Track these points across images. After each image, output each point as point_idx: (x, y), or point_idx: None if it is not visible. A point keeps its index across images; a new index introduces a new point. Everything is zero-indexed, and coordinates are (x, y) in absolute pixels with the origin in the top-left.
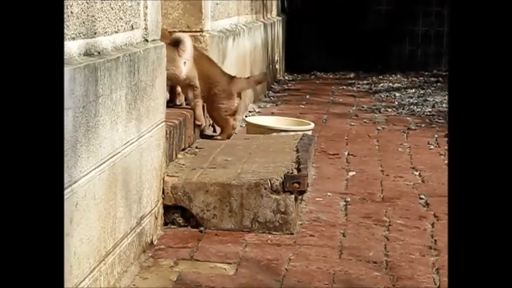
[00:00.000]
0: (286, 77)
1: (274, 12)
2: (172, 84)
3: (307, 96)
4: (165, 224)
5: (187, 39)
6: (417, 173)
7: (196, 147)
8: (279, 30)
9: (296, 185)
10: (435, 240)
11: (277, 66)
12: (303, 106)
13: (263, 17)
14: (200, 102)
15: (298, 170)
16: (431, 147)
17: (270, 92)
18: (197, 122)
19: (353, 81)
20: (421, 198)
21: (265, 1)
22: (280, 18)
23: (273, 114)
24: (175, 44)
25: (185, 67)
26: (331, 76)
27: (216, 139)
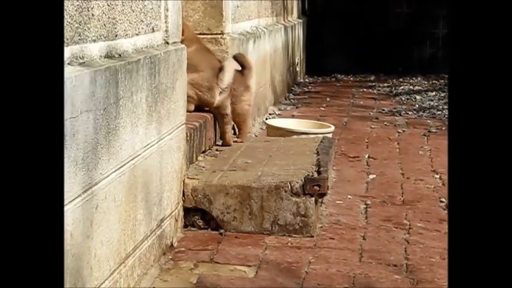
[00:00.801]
0: (307, 80)
1: (295, 14)
2: (203, 106)
3: (328, 99)
4: (185, 226)
5: (228, 70)
6: (438, 176)
7: (217, 150)
8: (299, 32)
9: (316, 187)
10: None
11: (297, 69)
12: (324, 109)
13: (284, 20)
14: (230, 128)
15: (319, 172)
16: None
17: (291, 94)
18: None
19: (374, 83)
20: (441, 202)
21: (285, 3)
22: (301, 20)
23: (293, 116)
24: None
25: (220, 97)
26: (351, 79)
27: (236, 142)
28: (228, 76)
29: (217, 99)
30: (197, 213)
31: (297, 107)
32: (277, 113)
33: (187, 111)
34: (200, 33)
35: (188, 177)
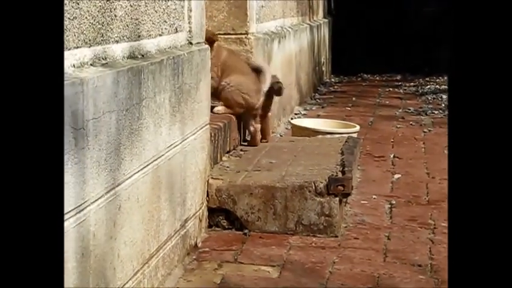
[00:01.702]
0: (333, 79)
1: (321, 14)
2: (242, 112)
3: (354, 99)
4: (210, 226)
5: (267, 71)
6: None
7: (241, 150)
8: (325, 32)
9: (340, 187)
10: None
11: (323, 69)
12: (349, 108)
13: (309, 19)
14: (259, 127)
15: (343, 172)
16: None
17: (316, 94)
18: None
19: (400, 83)
20: None
21: (311, 3)
22: (326, 20)
23: (318, 116)
24: (256, 71)
25: (262, 98)
26: (377, 78)
27: (262, 142)
28: (268, 77)
29: (261, 100)
30: (221, 214)
31: (322, 107)
32: (302, 112)
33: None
34: (224, 33)
35: (212, 178)
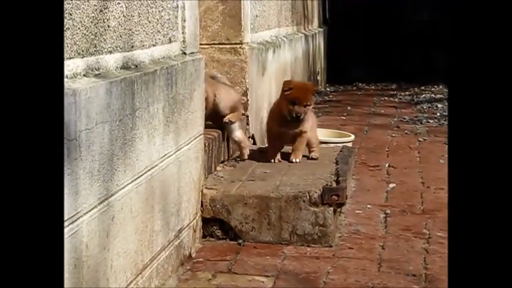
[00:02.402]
0: (328, 89)
1: (316, 23)
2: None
3: (349, 108)
4: (204, 236)
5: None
6: None
7: (236, 160)
8: (320, 41)
9: (335, 197)
10: None
11: (318, 78)
12: (344, 117)
13: (304, 29)
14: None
15: (337, 182)
16: None
17: None
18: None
19: (395, 92)
20: None
21: (306, 13)
22: (321, 29)
23: None
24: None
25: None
26: (373, 87)
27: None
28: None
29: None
30: (216, 224)
31: (317, 116)
32: None
33: None
34: (219, 43)
35: (206, 188)
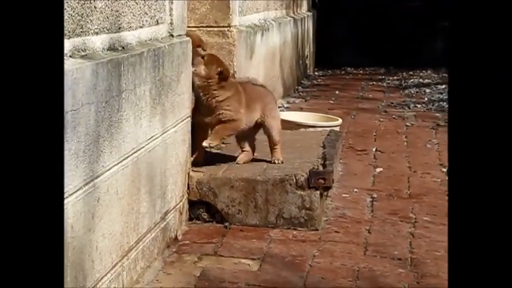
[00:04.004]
0: (316, 73)
1: (305, 7)
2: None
3: (337, 92)
4: (190, 219)
5: None
6: (445, 170)
7: (223, 143)
8: (309, 25)
9: (321, 181)
10: None
11: (307, 62)
12: (332, 102)
13: (293, 12)
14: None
15: (324, 166)
16: None
17: (300, 87)
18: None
19: (383, 76)
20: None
21: None
22: (310, 13)
23: (301, 109)
24: None
25: None
26: (361, 72)
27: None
28: None
29: None
30: (202, 206)
31: (305, 100)
32: (285, 106)
33: None
34: (207, 26)
35: (193, 170)
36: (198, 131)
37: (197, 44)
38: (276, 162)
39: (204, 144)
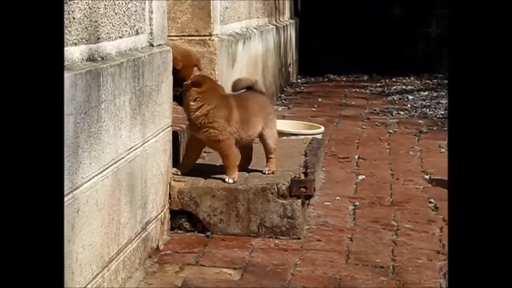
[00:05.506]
0: (299, 80)
1: (287, 15)
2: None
3: (320, 99)
4: (172, 229)
5: None
6: (427, 177)
7: (204, 152)
8: (291, 33)
9: (303, 189)
10: (443, 244)
11: (290, 69)
12: (315, 109)
13: (275, 20)
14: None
15: (306, 174)
16: (443, 150)
17: (282, 95)
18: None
19: (366, 83)
20: (430, 202)
21: (277, 4)
22: (293, 21)
23: (284, 117)
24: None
25: None
26: (344, 79)
27: None
28: None
29: None
30: (184, 216)
31: (288, 108)
32: None
33: None
34: (188, 35)
35: (174, 180)
36: (191, 145)
37: (195, 63)
38: (267, 172)
39: (230, 181)
